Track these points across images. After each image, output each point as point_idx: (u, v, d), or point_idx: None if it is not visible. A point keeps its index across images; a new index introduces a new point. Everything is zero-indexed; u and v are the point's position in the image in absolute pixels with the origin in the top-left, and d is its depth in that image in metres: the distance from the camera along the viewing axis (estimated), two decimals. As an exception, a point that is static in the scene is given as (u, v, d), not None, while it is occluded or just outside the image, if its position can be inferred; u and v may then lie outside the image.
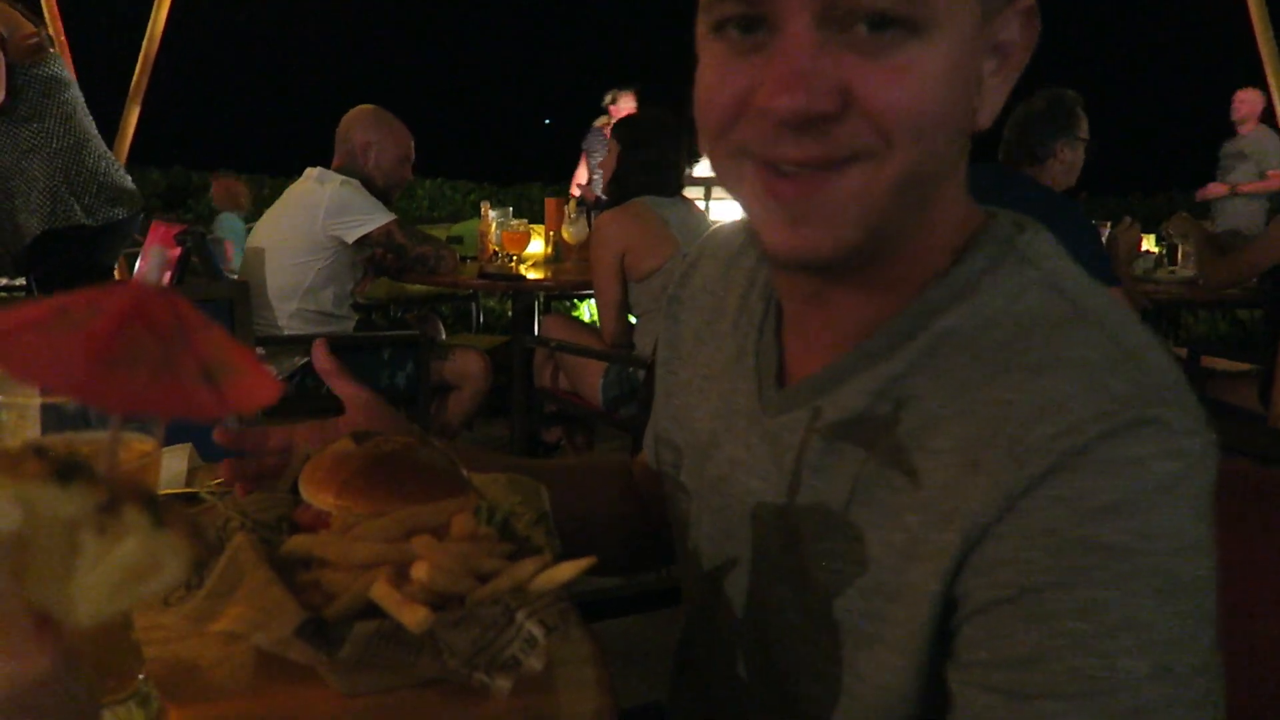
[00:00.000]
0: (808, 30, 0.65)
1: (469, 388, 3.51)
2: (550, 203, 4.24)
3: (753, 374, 0.86)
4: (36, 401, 0.71)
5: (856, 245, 0.69)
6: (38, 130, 3.45)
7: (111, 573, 0.37)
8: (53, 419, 0.70)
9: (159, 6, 5.03)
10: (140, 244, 4.57)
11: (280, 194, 3.58)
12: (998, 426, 0.66)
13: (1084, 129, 3.36)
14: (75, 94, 3.59)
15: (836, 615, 0.75)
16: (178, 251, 3.60)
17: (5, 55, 3.34)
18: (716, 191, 5.85)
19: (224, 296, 1.90)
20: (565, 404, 3.48)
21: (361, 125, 3.52)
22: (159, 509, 0.38)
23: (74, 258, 3.52)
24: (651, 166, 3.36)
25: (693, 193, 3.92)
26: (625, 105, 6.93)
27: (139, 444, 0.64)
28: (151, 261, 0.36)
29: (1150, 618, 0.61)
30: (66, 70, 3.61)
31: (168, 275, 3.76)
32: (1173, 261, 4.32)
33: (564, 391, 3.49)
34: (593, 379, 3.31)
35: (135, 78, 5.14)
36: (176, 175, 14.22)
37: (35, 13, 3.90)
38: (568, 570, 0.71)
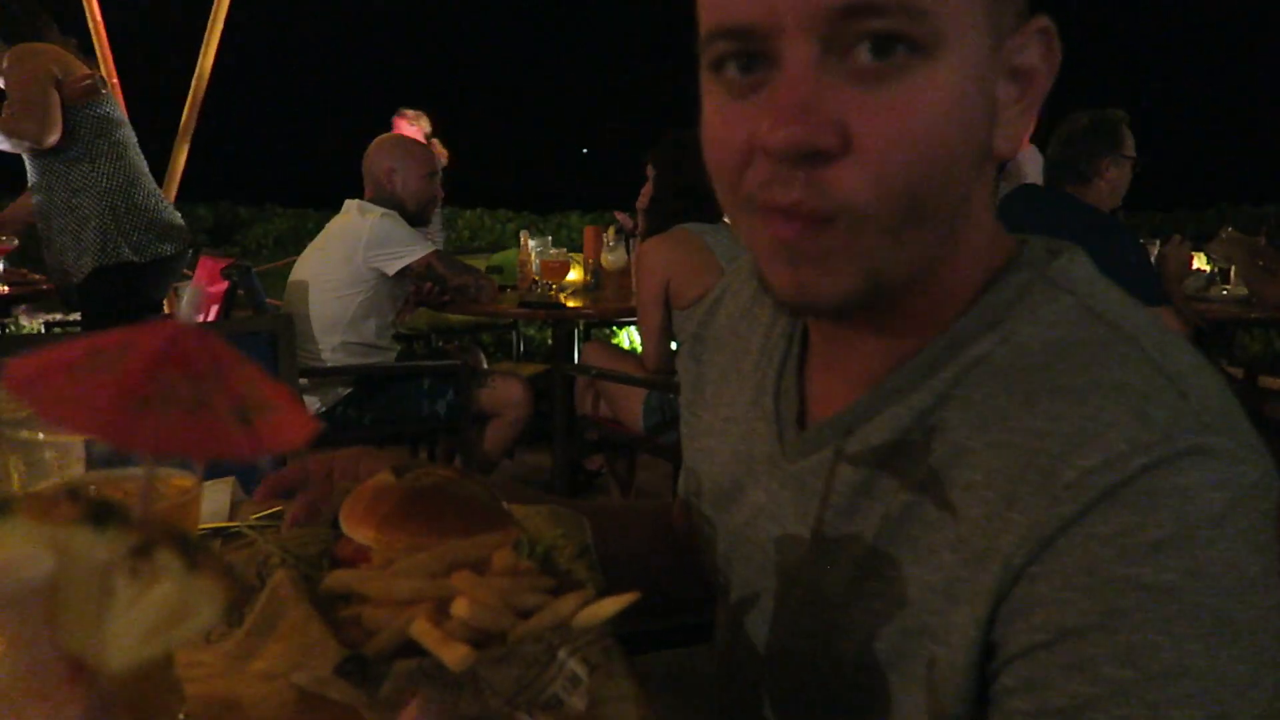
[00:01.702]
0: (809, 62, 0.62)
1: (510, 415, 3.51)
2: (589, 230, 4.25)
3: (771, 416, 0.83)
4: (80, 439, 0.71)
5: (857, 290, 0.66)
6: (89, 171, 3.55)
7: (145, 617, 0.36)
8: (98, 456, 0.71)
9: (207, 46, 5.16)
10: (189, 278, 4.66)
11: (321, 227, 3.63)
12: (1031, 459, 0.63)
13: (1130, 147, 3.30)
14: (127, 133, 3.69)
15: (871, 658, 0.72)
16: (225, 285, 3.66)
17: (61, 96, 3.42)
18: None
19: (268, 329, 1.91)
20: (607, 431, 3.47)
21: (382, 153, 3.56)
22: (193, 552, 0.37)
23: (122, 294, 3.60)
24: (690, 191, 3.35)
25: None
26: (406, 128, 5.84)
27: (179, 480, 0.64)
28: (188, 300, 0.36)
29: (1202, 664, 0.57)
30: (119, 109, 3.71)
31: (214, 309, 3.82)
32: (1226, 280, 4.22)
33: (605, 419, 3.48)
34: (634, 406, 3.30)
35: (184, 116, 5.26)
36: (224, 210, 14.53)
37: (88, 53, 4.02)
38: (611, 606, 0.70)
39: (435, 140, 4.89)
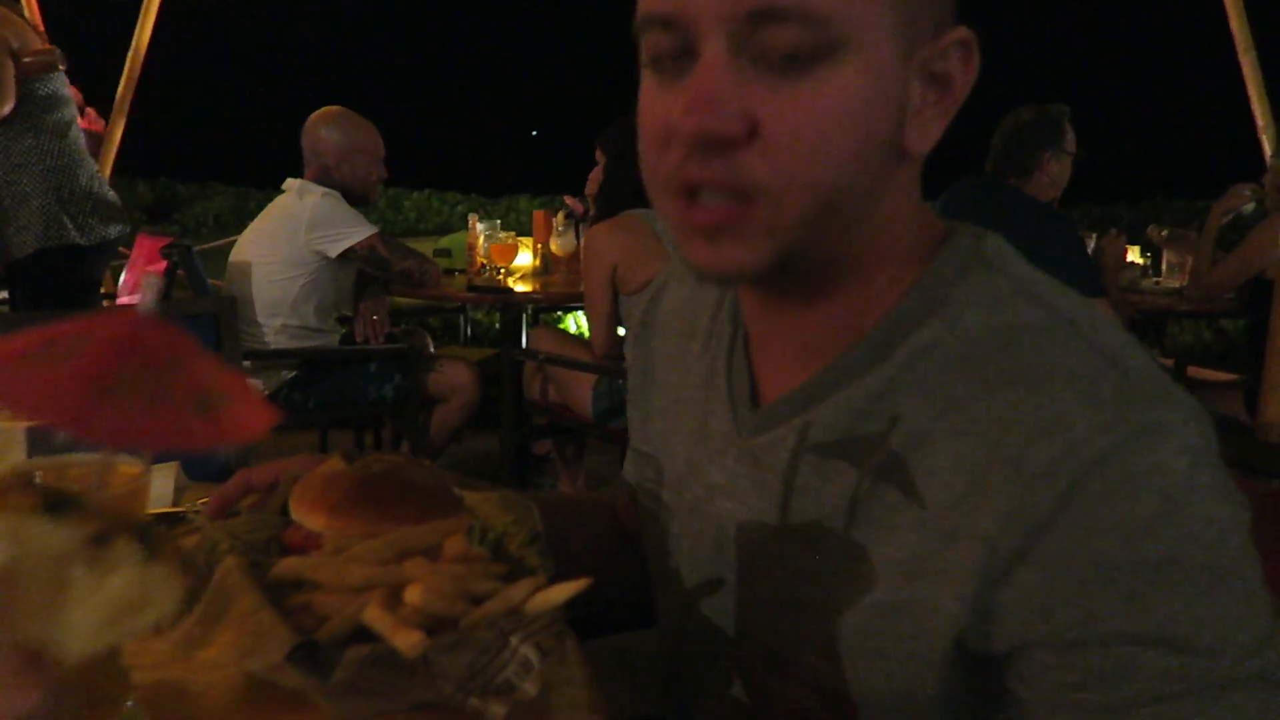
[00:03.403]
0: (721, 56, 0.67)
1: (458, 400, 3.49)
2: (538, 215, 4.23)
3: (725, 396, 0.86)
4: (21, 425, 0.70)
5: (773, 264, 0.71)
6: (31, 146, 3.40)
7: (103, 606, 0.36)
8: (39, 443, 0.69)
9: (145, 17, 5.01)
10: (126, 256, 4.54)
11: (263, 206, 3.56)
12: (997, 446, 0.67)
13: (1071, 142, 3.39)
14: (71, 111, 3.54)
15: (833, 633, 0.74)
16: (164, 265, 3.58)
17: (15, 69, 3.28)
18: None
19: (210, 311, 1.88)
20: (555, 416, 3.47)
21: (326, 131, 3.48)
22: (151, 540, 0.37)
23: (65, 276, 3.47)
24: (639, 178, 3.35)
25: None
26: None
27: (126, 467, 0.63)
28: (148, 289, 0.35)
29: (1211, 613, 0.63)
30: (65, 86, 3.55)
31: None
32: (1157, 272, 4.35)
33: (554, 404, 3.48)
34: (583, 391, 3.30)
35: (120, 91, 5.10)
36: (162, 187, 14.17)
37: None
38: (562, 592, 0.71)
39: (91, 109, 4.73)
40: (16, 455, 0.70)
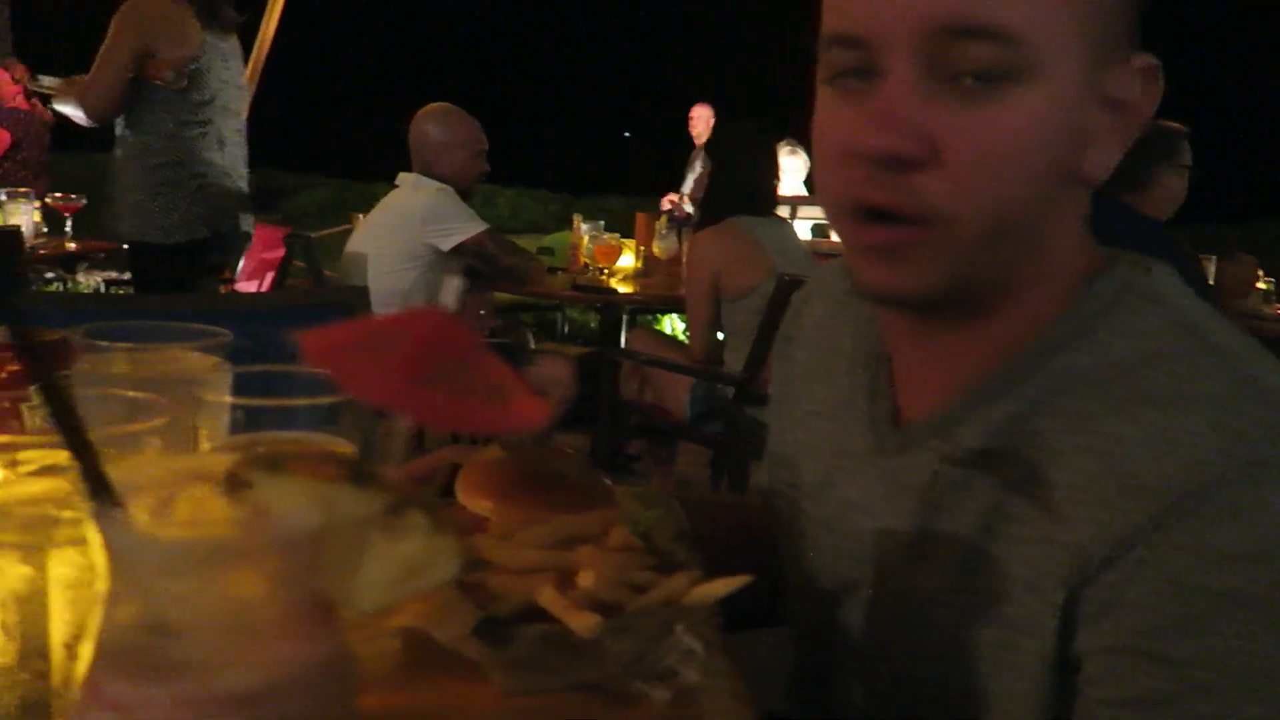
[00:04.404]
0: (908, 75, 0.67)
1: (555, 395, 3.56)
2: (640, 217, 4.29)
3: (866, 415, 0.87)
4: (227, 401, 0.76)
5: (945, 289, 0.72)
6: (135, 142, 3.41)
7: (392, 568, 0.41)
8: (240, 419, 0.75)
9: (270, 14, 5.22)
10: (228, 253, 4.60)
11: (362, 199, 3.66)
12: (1116, 462, 0.67)
13: (1187, 157, 3.29)
14: (200, 115, 3.44)
15: (965, 650, 0.76)
16: (281, 254, 3.72)
17: (141, 70, 3.28)
18: (802, 210, 5.85)
19: (343, 301, 1.97)
20: (650, 417, 3.52)
21: (427, 126, 3.55)
22: (435, 513, 0.41)
23: (153, 272, 3.49)
24: (743, 183, 3.38)
25: (779, 211, 3.93)
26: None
27: (341, 447, 0.69)
28: (448, 291, 0.40)
29: (1270, 662, 0.61)
30: (205, 89, 3.44)
31: (270, 277, 3.89)
32: (1280, 299, 4.18)
33: (649, 405, 3.53)
34: (679, 394, 3.34)
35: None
36: (267, 177, 14.67)
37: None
38: (723, 586, 0.74)
39: (37, 99, 4.66)
40: (221, 431, 0.75)
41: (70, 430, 0.38)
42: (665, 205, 8.13)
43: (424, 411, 0.36)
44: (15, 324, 0.36)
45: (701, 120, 8.23)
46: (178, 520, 0.39)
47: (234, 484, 0.39)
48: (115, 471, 0.39)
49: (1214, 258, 3.77)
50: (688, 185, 7.71)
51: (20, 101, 6.46)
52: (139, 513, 0.39)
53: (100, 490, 0.38)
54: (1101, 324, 0.73)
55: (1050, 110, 0.68)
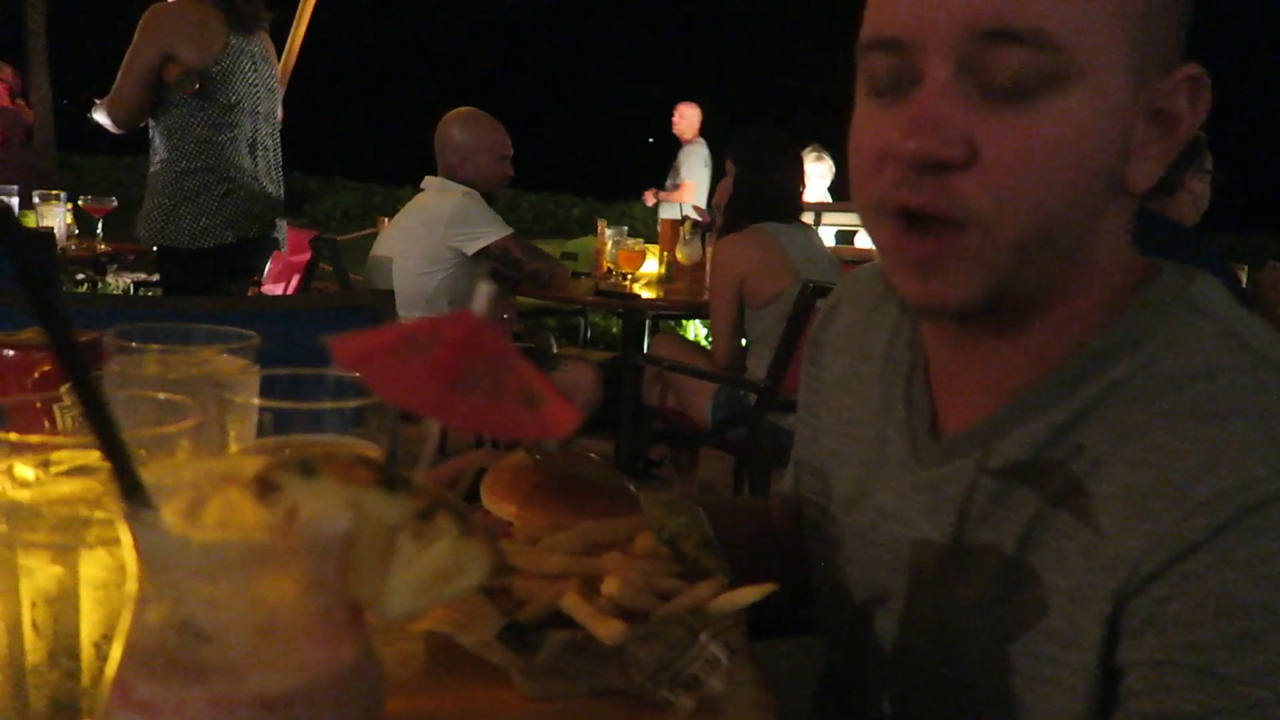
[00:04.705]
0: (946, 80, 0.67)
1: (580, 399, 3.56)
2: (665, 223, 4.29)
3: (904, 424, 0.86)
4: (256, 404, 0.76)
5: (984, 300, 0.71)
6: (164, 147, 3.42)
7: (421, 574, 0.41)
8: (268, 421, 0.76)
9: (299, 20, 5.26)
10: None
11: (386, 202, 3.68)
12: (1166, 474, 0.66)
13: (1209, 162, 3.27)
14: (230, 118, 3.44)
15: (1002, 661, 0.75)
16: (307, 257, 3.75)
17: (162, 75, 3.29)
18: (827, 217, 5.83)
19: (369, 304, 1.97)
20: (672, 423, 3.51)
21: (451, 130, 3.56)
22: (466, 519, 0.41)
23: (180, 276, 3.50)
24: (770, 190, 3.37)
25: (804, 218, 3.92)
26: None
27: (366, 450, 0.69)
28: (480, 296, 0.40)
29: None
30: (231, 92, 3.43)
31: (296, 280, 3.91)
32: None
33: (671, 410, 3.52)
34: (701, 400, 3.33)
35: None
36: (294, 181, 14.81)
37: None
38: (749, 594, 0.74)
39: (21, 101, 4.71)
40: (250, 433, 0.76)
41: (103, 431, 0.38)
42: (649, 200, 8.29)
43: (457, 416, 0.36)
44: (54, 324, 0.36)
45: (685, 119, 8.34)
46: (209, 523, 0.39)
47: (264, 487, 0.39)
48: (147, 473, 0.39)
49: (1245, 267, 3.73)
50: (670, 182, 7.92)
51: (4, 100, 6.63)
52: (170, 514, 0.39)
53: (132, 491, 0.38)
54: (1149, 335, 0.72)
55: (1092, 117, 0.67)
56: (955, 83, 0.67)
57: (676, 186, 8.20)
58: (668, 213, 7.20)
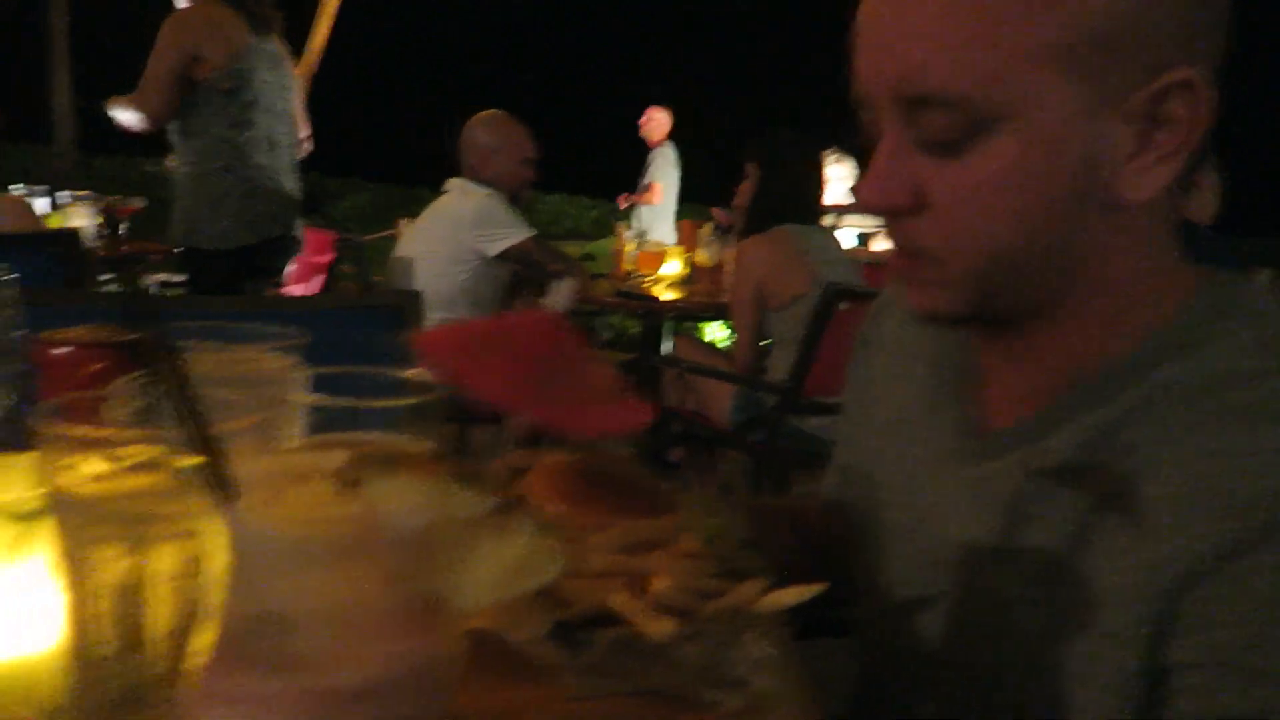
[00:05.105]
0: (895, 135, 0.74)
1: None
2: (685, 224, 4.29)
3: (951, 422, 0.87)
4: (303, 401, 0.77)
5: (968, 311, 0.77)
6: (186, 148, 3.46)
7: (497, 569, 0.41)
8: (315, 419, 0.76)
9: (320, 21, 5.30)
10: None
11: (404, 203, 3.70)
12: (1216, 476, 0.67)
13: (1215, 162, 3.27)
14: (248, 116, 3.46)
15: (1047, 659, 0.75)
16: (330, 257, 3.77)
17: (190, 74, 3.33)
18: (847, 219, 5.82)
19: (395, 304, 1.98)
20: (692, 425, 3.51)
21: (474, 132, 3.59)
22: (539, 517, 0.42)
23: (204, 276, 3.53)
24: (790, 192, 3.37)
25: (824, 220, 3.91)
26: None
27: (416, 447, 0.69)
28: (560, 292, 0.40)
29: None
30: (249, 91, 3.47)
31: (319, 280, 3.93)
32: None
33: (691, 412, 3.52)
34: (722, 402, 3.33)
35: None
36: (312, 181, 14.89)
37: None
38: (794, 595, 0.74)
39: None
40: (296, 430, 0.77)
41: (194, 423, 0.39)
42: (621, 204, 8.34)
43: (540, 412, 0.36)
44: (145, 322, 0.37)
45: (654, 121, 8.41)
46: (295, 517, 0.40)
47: (347, 481, 0.40)
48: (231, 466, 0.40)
49: (1266, 270, 3.70)
50: (642, 184, 8.09)
51: None
52: (257, 508, 0.39)
53: (221, 483, 0.39)
54: (1201, 337, 0.73)
55: (1027, 151, 0.70)
56: (901, 138, 0.74)
57: (647, 188, 8.30)
58: (636, 219, 7.39)
